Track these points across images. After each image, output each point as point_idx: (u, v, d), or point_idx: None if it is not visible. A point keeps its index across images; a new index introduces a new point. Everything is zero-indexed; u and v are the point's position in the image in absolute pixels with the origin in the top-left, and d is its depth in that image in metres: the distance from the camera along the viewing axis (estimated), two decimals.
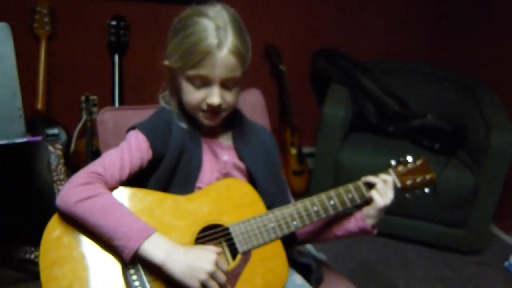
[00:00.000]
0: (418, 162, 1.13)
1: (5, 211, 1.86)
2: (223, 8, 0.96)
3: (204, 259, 0.85)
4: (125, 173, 0.93)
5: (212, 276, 0.84)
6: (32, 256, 1.83)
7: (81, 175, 0.89)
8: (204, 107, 0.98)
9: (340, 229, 1.10)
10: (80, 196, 0.85)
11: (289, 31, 2.76)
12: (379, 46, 2.96)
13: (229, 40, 0.92)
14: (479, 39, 2.77)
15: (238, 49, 0.93)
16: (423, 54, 2.98)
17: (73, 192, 0.86)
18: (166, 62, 1.00)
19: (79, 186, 0.87)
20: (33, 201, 1.84)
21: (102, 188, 0.88)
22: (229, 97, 0.99)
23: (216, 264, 0.86)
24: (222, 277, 0.86)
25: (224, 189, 0.99)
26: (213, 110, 0.98)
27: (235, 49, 0.93)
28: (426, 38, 3.00)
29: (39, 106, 2.13)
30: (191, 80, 0.96)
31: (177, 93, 1.04)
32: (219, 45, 0.91)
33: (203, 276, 0.83)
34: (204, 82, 0.95)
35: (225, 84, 0.96)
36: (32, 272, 1.83)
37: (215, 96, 0.95)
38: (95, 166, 0.91)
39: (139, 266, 0.86)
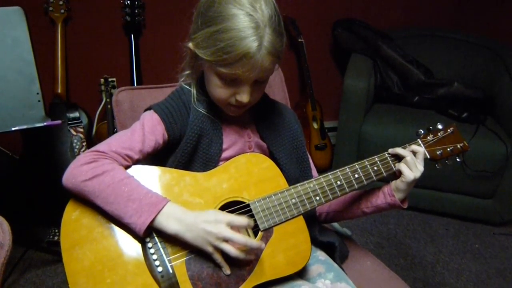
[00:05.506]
0: (449, 130, 1.07)
1: (33, 194, 1.90)
2: None
3: (214, 223, 0.84)
4: (133, 154, 0.91)
5: (225, 238, 0.83)
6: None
7: (85, 154, 0.88)
8: (232, 102, 0.93)
9: (368, 206, 1.06)
10: (86, 175, 0.84)
11: (306, 1, 2.67)
12: (401, 13, 2.84)
13: (267, 39, 0.84)
14: (507, 1, 2.62)
15: (276, 48, 0.87)
16: (447, 19, 2.86)
17: (78, 171, 0.85)
18: (191, 45, 0.92)
19: (83, 165, 0.86)
20: (59, 184, 1.87)
21: (108, 164, 0.86)
22: (259, 91, 0.95)
23: (231, 224, 0.84)
24: (239, 237, 0.84)
25: (243, 164, 0.97)
26: (241, 106, 0.95)
27: (273, 50, 0.86)
28: (450, 1, 2.86)
29: (59, 90, 2.14)
30: (221, 76, 0.90)
31: (198, 73, 1.00)
32: (258, 48, 0.84)
33: (213, 240, 0.83)
34: (235, 79, 0.90)
35: (257, 81, 0.92)
36: (60, 253, 1.87)
37: (245, 95, 0.91)
38: (100, 145, 0.91)
39: (158, 244, 0.86)
